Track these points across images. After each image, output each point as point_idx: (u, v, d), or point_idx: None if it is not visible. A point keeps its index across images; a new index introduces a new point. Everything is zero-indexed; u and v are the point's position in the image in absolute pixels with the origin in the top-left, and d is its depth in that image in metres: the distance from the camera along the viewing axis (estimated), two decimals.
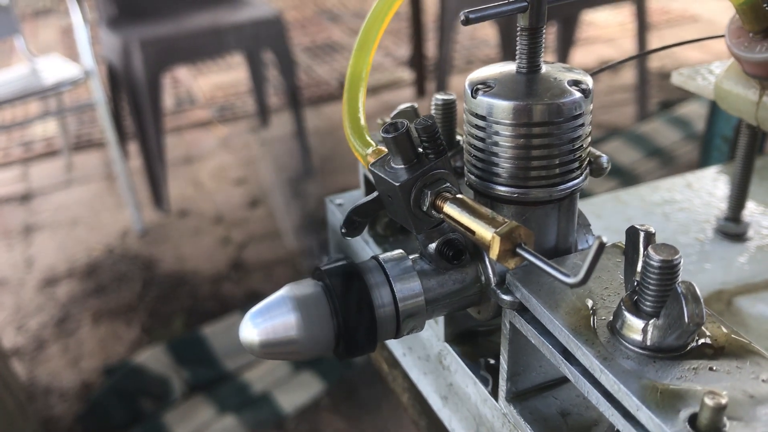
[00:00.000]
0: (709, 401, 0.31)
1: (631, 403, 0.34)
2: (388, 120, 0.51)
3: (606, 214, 0.78)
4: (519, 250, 0.37)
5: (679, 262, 0.36)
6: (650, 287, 0.36)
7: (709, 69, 0.68)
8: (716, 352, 0.36)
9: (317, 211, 2.34)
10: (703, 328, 0.37)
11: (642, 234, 0.38)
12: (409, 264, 0.44)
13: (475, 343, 0.53)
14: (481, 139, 0.44)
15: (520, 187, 0.44)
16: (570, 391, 0.46)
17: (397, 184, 0.42)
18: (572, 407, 0.45)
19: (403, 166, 0.42)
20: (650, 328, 0.36)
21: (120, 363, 1.82)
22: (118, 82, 2.55)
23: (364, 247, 0.61)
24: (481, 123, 0.44)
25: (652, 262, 0.36)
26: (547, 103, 0.41)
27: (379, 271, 0.44)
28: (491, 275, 0.44)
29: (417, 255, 0.46)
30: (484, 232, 0.37)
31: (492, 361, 0.51)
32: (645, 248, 0.37)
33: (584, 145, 0.44)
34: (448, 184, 0.42)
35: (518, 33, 0.44)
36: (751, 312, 0.63)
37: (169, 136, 2.89)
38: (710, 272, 0.68)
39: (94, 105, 2.32)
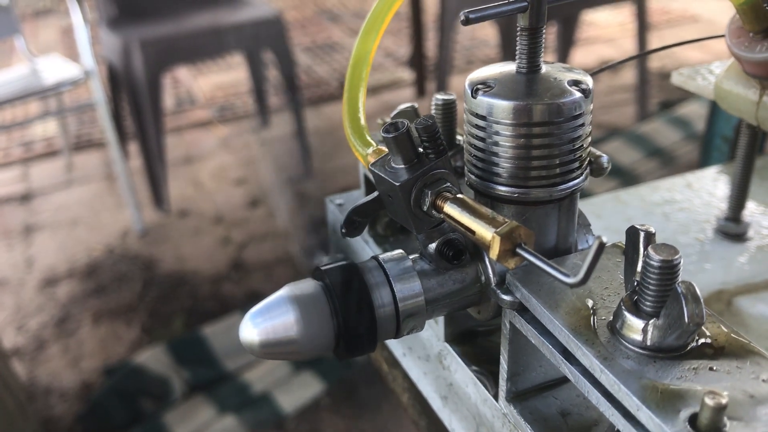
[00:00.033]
0: (709, 401, 0.31)
1: (632, 403, 0.34)
2: (388, 120, 0.51)
3: (606, 214, 0.78)
4: (519, 250, 0.37)
5: (679, 262, 0.36)
6: (650, 287, 0.36)
7: (709, 69, 0.68)
8: (716, 352, 0.36)
9: (317, 211, 2.34)
10: (703, 328, 0.37)
11: (642, 234, 0.38)
12: (409, 264, 0.44)
13: (475, 343, 0.53)
14: (482, 139, 0.44)
15: (520, 186, 0.44)
16: (570, 391, 0.46)
17: (397, 184, 0.42)
18: (572, 407, 0.45)
19: (403, 166, 0.42)
20: (650, 328, 0.36)
21: (120, 363, 1.82)
22: (118, 82, 2.55)
23: (364, 247, 0.61)
24: (481, 123, 0.44)
25: (652, 262, 0.36)
26: (547, 103, 0.41)
27: (379, 271, 0.44)
28: (491, 275, 0.44)
29: (417, 255, 0.46)
30: (484, 232, 0.37)
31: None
32: (645, 248, 0.37)
33: (584, 145, 0.44)
34: (449, 183, 0.42)
35: (518, 33, 0.44)
36: (752, 312, 0.63)
37: (169, 136, 2.89)
38: (710, 272, 0.68)
39: (94, 105, 2.32)
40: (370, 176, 0.45)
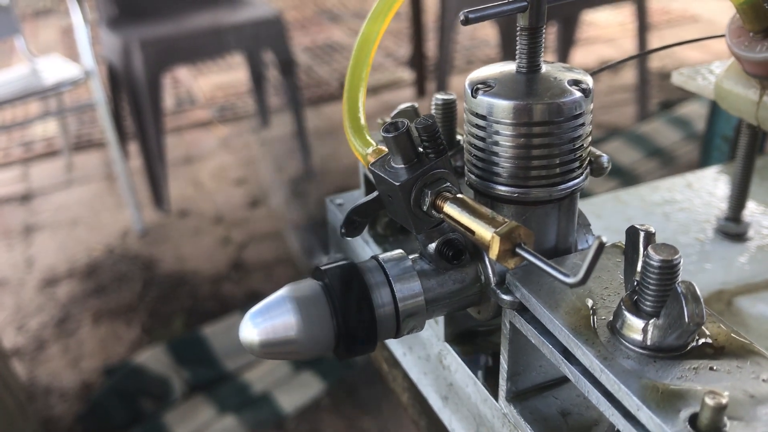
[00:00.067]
0: (709, 401, 0.31)
1: (632, 402, 0.34)
2: (388, 120, 0.51)
3: (606, 214, 0.78)
4: (519, 250, 0.37)
5: (679, 262, 0.36)
6: (650, 287, 0.36)
7: (710, 69, 0.68)
8: (716, 351, 0.36)
9: (317, 211, 2.34)
10: (703, 327, 0.37)
11: (642, 234, 0.38)
12: (408, 264, 0.44)
13: (475, 342, 0.53)
14: (482, 139, 0.44)
15: (520, 186, 0.43)
16: (570, 390, 0.46)
17: (397, 184, 0.42)
18: (572, 407, 0.45)
19: (403, 166, 0.42)
20: (650, 328, 0.36)
21: (120, 363, 1.82)
22: (118, 82, 2.55)
23: (364, 247, 0.61)
24: (481, 122, 0.44)
25: (652, 262, 0.36)
26: (547, 102, 0.41)
27: (379, 271, 0.44)
28: (491, 275, 0.44)
29: (417, 255, 0.46)
30: (483, 232, 0.37)
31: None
32: (645, 248, 0.37)
33: (584, 145, 0.44)
34: (449, 183, 0.42)
35: (518, 33, 0.44)
36: (752, 312, 0.63)
37: (169, 136, 2.89)
38: (710, 272, 0.68)
39: (94, 105, 2.32)
40: (370, 176, 0.45)
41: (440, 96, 0.53)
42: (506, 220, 0.37)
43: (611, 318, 0.38)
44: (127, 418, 1.66)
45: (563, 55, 2.75)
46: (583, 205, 0.78)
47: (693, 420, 0.32)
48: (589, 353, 0.36)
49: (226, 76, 3.69)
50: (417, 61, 3.23)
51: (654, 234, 0.38)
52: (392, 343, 0.66)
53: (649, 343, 0.36)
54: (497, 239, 0.36)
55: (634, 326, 0.37)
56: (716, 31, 0.61)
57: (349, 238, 0.49)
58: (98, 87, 2.26)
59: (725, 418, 0.31)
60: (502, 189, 0.44)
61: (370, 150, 0.46)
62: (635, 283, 0.38)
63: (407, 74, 3.46)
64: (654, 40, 2.97)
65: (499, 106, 0.42)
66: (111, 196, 2.68)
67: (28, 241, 2.43)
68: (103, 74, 2.56)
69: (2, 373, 1.53)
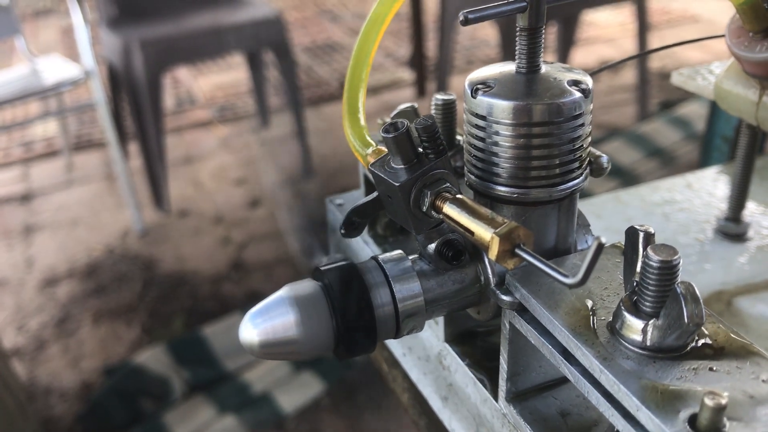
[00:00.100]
0: (709, 401, 0.31)
1: (631, 403, 0.34)
2: (388, 120, 0.51)
3: (606, 214, 0.78)
4: (518, 251, 0.37)
5: (679, 263, 0.36)
6: (650, 288, 0.36)
7: (709, 69, 0.68)
8: (716, 352, 0.36)
9: (317, 212, 2.34)
10: (702, 328, 0.37)
11: (641, 234, 0.38)
12: (408, 264, 0.44)
13: (474, 343, 0.53)
14: (481, 139, 0.44)
15: (519, 187, 0.43)
16: (570, 391, 0.46)
17: (396, 185, 0.42)
18: (572, 407, 0.45)
19: (402, 166, 0.42)
20: (650, 329, 0.36)
21: (120, 363, 1.82)
22: (118, 82, 2.55)
23: (364, 247, 0.61)
24: (481, 123, 0.44)
25: (651, 263, 0.36)
26: (547, 103, 0.41)
27: (379, 272, 0.44)
28: (491, 276, 0.44)
29: (416, 255, 0.46)
30: (483, 232, 0.37)
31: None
32: (644, 249, 0.37)
33: (584, 145, 0.44)
34: (448, 184, 0.42)
35: (518, 33, 0.44)
36: (751, 312, 0.63)
37: (169, 136, 2.89)
38: (710, 272, 0.68)
39: (94, 105, 2.32)
40: (370, 176, 0.45)
41: (440, 96, 0.53)
42: (506, 220, 0.37)
43: (611, 318, 0.38)
44: (127, 418, 1.66)
45: (563, 55, 2.75)
46: (583, 206, 0.78)
47: (692, 420, 0.32)
48: (589, 354, 0.36)
49: (226, 76, 3.69)
50: (417, 61, 3.23)
51: (653, 234, 0.38)
52: (392, 344, 0.66)
53: (648, 343, 0.36)
54: (496, 240, 0.36)
55: (634, 327, 0.37)
56: (716, 31, 0.61)
57: (348, 239, 0.49)
58: (98, 87, 2.26)
59: (725, 419, 0.31)
60: (501, 189, 0.44)
61: (369, 150, 0.46)
62: (635, 284, 0.38)
63: (407, 74, 3.46)
64: (654, 40, 2.97)
65: (498, 106, 0.42)
66: (111, 196, 2.68)
67: (28, 241, 2.43)
68: (103, 74, 2.56)
69: (2, 373, 1.53)
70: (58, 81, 2.24)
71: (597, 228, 0.74)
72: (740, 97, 0.59)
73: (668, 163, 2.44)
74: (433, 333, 0.55)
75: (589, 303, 0.40)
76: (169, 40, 2.39)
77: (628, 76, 3.15)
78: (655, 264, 0.36)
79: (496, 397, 0.47)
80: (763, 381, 0.34)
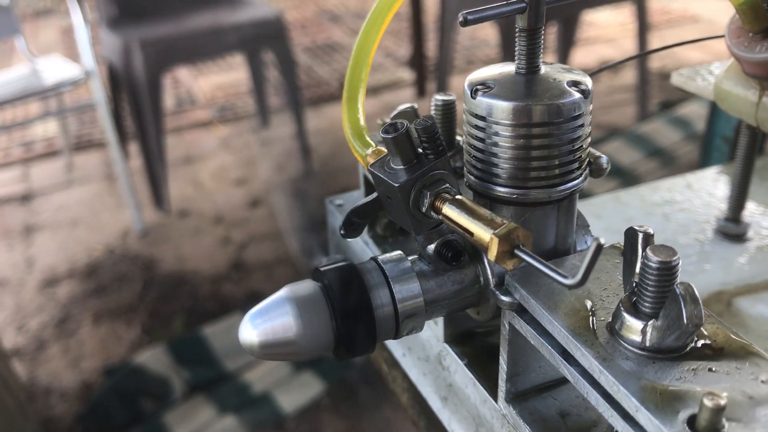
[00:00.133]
0: (708, 402, 0.31)
1: (630, 404, 0.34)
2: (387, 120, 0.51)
3: (606, 214, 0.78)
4: (517, 252, 0.37)
5: (678, 264, 0.36)
6: (649, 288, 0.36)
7: (709, 69, 0.68)
8: (715, 353, 0.36)
9: (317, 212, 2.34)
10: (702, 329, 0.37)
11: (640, 235, 0.38)
12: (407, 265, 0.44)
13: (474, 343, 0.53)
14: (481, 140, 0.44)
15: (519, 188, 0.43)
16: (569, 391, 0.46)
17: (396, 185, 0.42)
18: (571, 408, 0.45)
19: (402, 167, 0.42)
20: (649, 329, 0.36)
21: (120, 363, 1.82)
22: (118, 82, 2.55)
23: (364, 248, 0.61)
24: (480, 123, 0.44)
25: (650, 264, 0.36)
26: (546, 103, 0.41)
27: (378, 272, 0.44)
28: (490, 276, 0.44)
29: (416, 256, 0.46)
30: (482, 233, 0.37)
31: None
32: (643, 249, 0.37)
33: (584, 146, 0.44)
34: (448, 185, 0.42)
35: (517, 34, 0.44)
36: (751, 313, 0.63)
37: (169, 136, 2.89)
38: (710, 273, 0.68)
39: (94, 105, 2.32)
40: (370, 177, 0.45)
41: (440, 97, 0.53)
42: (505, 221, 0.37)
43: (610, 319, 0.38)
44: (127, 419, 1.66)
45: (563, 55, 2.75)
46: (583, 206, 0.79)
47: (691, 421, 0.32)
48: (588, 354, 0.36)
49: (226, 76, 3.69)
50: (417, 61, 3.23)
51: (652, 235, 0.38)
52: (392, 344, 0.66)
53: (648, 344, 0.36)
54: (496, 241, 0.36)
55: (633, 327, 0.37)
56: (717, 31, 0.61)
57: (348, 239, 0.49)
58: (98, 87, 2.26)
59: (724, 420, 0.31)
60: (501, 190, 0.44)
61: (369, 151, 0.46)
62: (634, 285, 0.38)
63: (407, 74, 3.46)
64: (654, 41, 2.97)
65: (498, 107, 0.42)
66: (111, 197, 2.68)
67: (29, 241, 2.43)
68: (104, 74, 2.56)
69: (2, 373, 1.53)
70: (58, 81, 2.25)
71: (597, 228, 0.74)
72: (740, 97, 0.59)
73: (668, 164, 2.44)
74: (432, 333, 0.55)
75: (589, 304, 0.40)
76: (169, 40, 2.39)
77: (628, 76, 3.15)
78: (654, 265, 0.36)
79: (495, 398, 0.47)
80: (763, 382, 0.34)
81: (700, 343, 0.37)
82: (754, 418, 0.32)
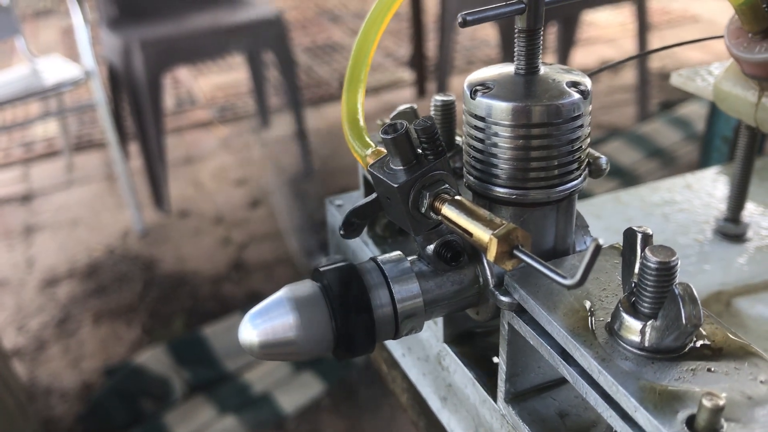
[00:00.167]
0: (706, 402, 0.31)
1: (629, 404, 0.34)
2: (387, 121, 0.51)
3: (606, 214, 0.78)
4: (516, 252, 0.37)
5: (676, 264, 0.36)
6: (648, 289, 0.36)
7: (708, 70, 0.68)
8: (714, 353, 0.36)
9: (317, 212, 2.34)
10: (701, 329, 0.38)
11: (639, 236, 0.38)
12: (407, 265, 0.44)
13: (473, 344, 0.53)
14: (480, 141, 0.44)
15: (518, 188, 0.44)
16: (568, 392, 0.46)
17: (395, 186, 0.42)
18: (571, 408, 0.45)
19: (402, 168, 0.42)
20: (648, 330, 0.36)
21: (121, 363, 1.82)
22: (118, 82, 2.55)
23: (364, 248, 0.61)
24: (480, 124, 0.44)
25: (649, 264, 0.36)
26: (545, 104, 0.41)
27: (378, 273, 0.44)
28: (489, 277, 0.44)
29: (415, 257, 0.46)
30: (481, 234, 0.37)
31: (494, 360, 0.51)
32: (642, 250, 0.37)
33: (583, 147, 0.44)
34: (447, 185, 0.42)
35: (516, 35, 0.44)
36: (750, 313, 0.63)
37: (169, 136, 2.89)
38: (709, 273, 0.68)
39: (94, 105, 2.32)
40: (369, 177, 0.45)
41: (439, 97, 0.54)
42: (504, 222, 0.37)
43: (609, 319, 0.38)
44: (127, 419, 1.66)
45: (563, 55, 2.75)
46: (582, 206, 0.79)
47: (690, 421, 0.32)
48: (587, 354, 0.36)
49: (226, 77, 3.69)
50: (417, 61, 3.23)
51: (651, 236, 0.38)
52: (391, 344, 0.66)
53: (647, 344, 0.36)
54: (495, 241, 0.36)
55: (632, 328, 0.37)
56: (717, 32, 0.61)
57: (348, 240, 0.49)
58: (98, 87, 2.26)
59: (722, 420, 0.31)
60: (500, 191, 0.44)
61: (369, 151, 0.46)
62: (633, 285, 0.38)
63: (407, 74, 3.46)
64: (654, 41, 2.97)
65: (497, 107, 0.42)
66: (111, 197, 2.68)
67: (29, 241, 2.43)
68: (104, 74, 2.56)
69: (2, 373, 1.53)
70: (58, 81, 2.25)
71: (597, 228, 0.74)
72: (739, 98, 0.59)
73: (668, 164, 2.44)
74: (432, 334, 0.55)
75: (588, 304, 0.40)
76: (170, 40, 2.40)
77: (628, 76, 3.15)
78: (652, 265, 0.36)
79: (494, 398, 0.47)
80: (761, 382, 0.34)
81: (699, 343, 0.37)
82: (752, 418, 0.32)
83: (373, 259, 0.45)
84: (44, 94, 2.30)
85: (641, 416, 0.33)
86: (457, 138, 0.56)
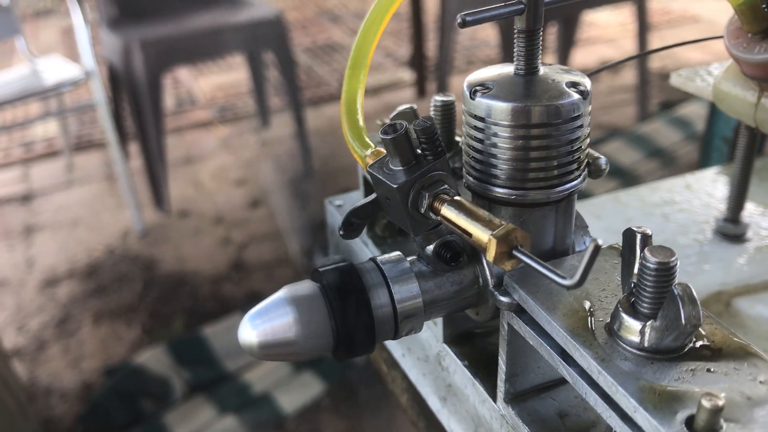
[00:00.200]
0: (706, 403, 0.31)
1: (629, 404, 0.34)
2: (387, 121, 0.51)
3: (606, 215, 0.78)
4: (515, 253, 0.37)
5: (676, 264, 0.36)
6: (647, 289, 0.36)
7: (708, 70, 0.68)
8: (714, 353, 0.36)
9: (317, 212, 2.34)
10: (700, 329, 0.38)
11: (638, 236, 0.38)
12: (406, 266, 0.44)
13: (473, 344, 0.53)
14: (480, 141, 0.44)
15: (518, 188, 0.44)
16: (568, 392, 0.46)
17: (395, 186, 0.42)
18: (570, 408, 0.45)
19: (401, 168, 0.42)
20: (647, 330, 0.36)
21: (121, 363, 1.82)
22: (118, 82, 2.56)
23: (363, 248, 0.61)
24: (479, 124, 0.44)
25: (648, 264, 0.36)
26: (545, 104, 0.41)
27: (377, 273, 0.44)
28: (489, 277, 0.44)
29: (415, 257, 0.46)
30: (480, 234, 0.37)
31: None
32: (642, 250, 0.37)
33: (582, 147, 0.44)
34: (446, 186, 0.42)
35: (516, 35, 0.44)
36: (750, 313, 0.63)
37: (169, 136, 2.89)
38: (709, 273, 0.68)
39: (94, 105, 2.33)
40: (369, 178, 0.45)
41: (439, 98, 0.54)
42: (503, 222, 0.37)
43: (609, 320, 0.38)
44: (127, 419, 1.66)
45: (563, 55, 2.75)
46: (582, 206, 0.79)
47: (690, 422, 0.32)
48: (587, 355, 0.36)
49: (226, 77, 3.69)
50: (417, 61, 3.23)
51: (651, 236, 0.38)
52: (391, 344, 0.66)
53: (646, 344, 0.36)
54: (494, 242, 0.36)
55: (632, 328, 0.37)
56: (717, 32, 0.61)
57: (347, 240, 0.49)
58: (99, 87, 2.26)
59: (722, 420, 0.31)
60: (499, 191, 0.44)
61: (368, 152, 0.46)
62: (632, 285, 0.38)
63: (407, 75, 3.46)
64: (654, 41, 2.97)
65: (497, 108, 0.42)
66: (111, 197, 2.68)
67: (29, 241, 2.43)
68: (104, 75, 2.56)
69: (3, 373, 1.53)
70: (58, 81, 2.25)
71: (596, 228, 0.74)
72: (739, 98, 0.59)
73: (668, 164, 2.44)
74: (431, 334, 0.55)
75: (587, 304, 0.40)
76: (170, 40, 2.40)
77: (628, 76, 3.15)
78: (652, 266, 0.36)
79: (494, 398, 0.47)
80: (761, 382, 0.34)
81: (698, 343, 0.37)
82: (752, 418, 0.32)
83: (373, 260, 0.45)
84: (44, 94, 2.30)
85: (641, 416, 0.33)
86: (457, 138, 0.56)
